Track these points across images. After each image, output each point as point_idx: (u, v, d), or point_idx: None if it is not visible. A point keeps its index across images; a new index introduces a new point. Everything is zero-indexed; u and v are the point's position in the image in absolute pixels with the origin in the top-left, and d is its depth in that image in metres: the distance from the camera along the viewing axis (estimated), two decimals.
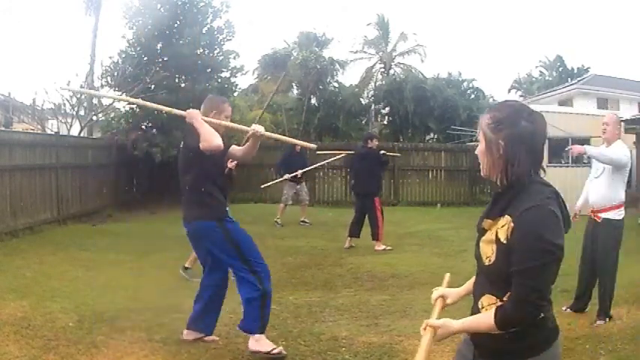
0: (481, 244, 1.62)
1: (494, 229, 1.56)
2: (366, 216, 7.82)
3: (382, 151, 8.15)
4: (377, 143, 8.04)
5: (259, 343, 3.56)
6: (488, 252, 1.57)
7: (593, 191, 4.26)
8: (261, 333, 3.59)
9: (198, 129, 3.34)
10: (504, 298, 1.54)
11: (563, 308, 4.50)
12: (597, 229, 4.18)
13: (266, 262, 3.75)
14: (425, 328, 1.62)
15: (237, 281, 3.65)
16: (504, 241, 1.51)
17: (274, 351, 3.54)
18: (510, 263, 1.49)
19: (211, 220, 3.56)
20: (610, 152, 4.12)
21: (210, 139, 3.30)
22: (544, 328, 1.57)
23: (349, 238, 7.87)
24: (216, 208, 3.59)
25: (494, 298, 1.58)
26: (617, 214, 4.12)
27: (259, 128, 3.52)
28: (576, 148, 4.33)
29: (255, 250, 3.68)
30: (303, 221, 10.39)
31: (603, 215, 4.13)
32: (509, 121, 1.58)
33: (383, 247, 7.72)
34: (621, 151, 4.13)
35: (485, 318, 1.56)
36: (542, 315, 1.53)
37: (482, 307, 1.64)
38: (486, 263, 1.59)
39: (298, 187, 10.41)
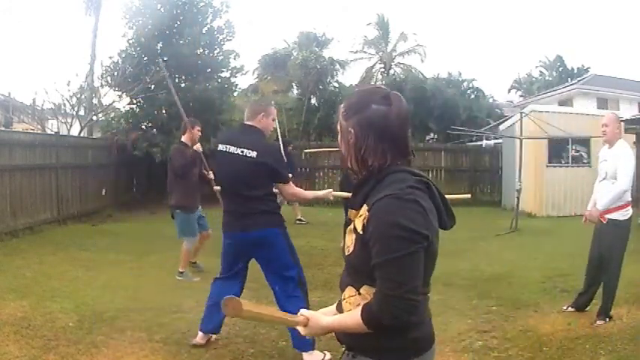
0: (346, 234, 1.53)
1: (355, 219, 1.48)
2: None
3: None
4: None
5: (312, 356, 3.54)
6: (349, 242, 1.49)
7: (599, 194, 4.28)
8: (314, 348, 3.57)
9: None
10: (361, 291, 1.46)
11: (564, 307, 4.51)
12: (603, 229, 4.19)
13: None
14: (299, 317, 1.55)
15: (282, 295, 3.57)
16: (360, 232, 1.42)
17: (325, 358, 3.56)
18: (370, 256, 1.38)
19: (277, 227, 3.58)
20: (616, 188, 4.04)
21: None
22: (412, 331, 1.46)
23: None
24: (280, 215, 3.64)
25: (354, 289, 1.50)
26: (623, 215, 4.12)
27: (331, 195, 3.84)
28: (592, 216, 4.19)
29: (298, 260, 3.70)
30: (299, 220, 10.42)
31: (608, 216, 4.13)
32: (359, 106, 1.48)
33: None
34: (624, 171, 4.04)
35: (354, 315, 1.44)
36: (415, 316, 1.42)
37: (344, 299, 1.55)
38: (346, 252, 1.51)
39: None
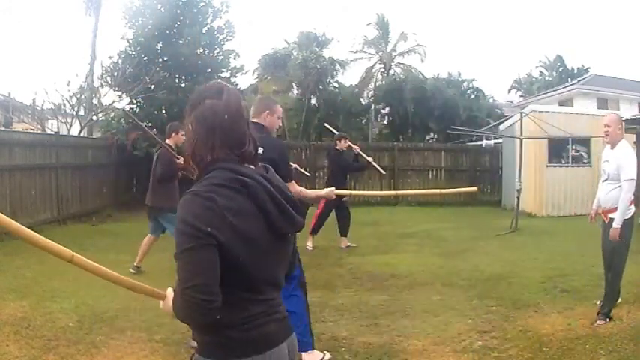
0: None
1: None
2: (336, 214, 7.93)
3: (357, 152, 8.13)
4: (345, 144, 7.90)
5: (312, 355, 3.53)
6: None
7: (602, 193, 4.33)
8: (314, 347, 3.56)
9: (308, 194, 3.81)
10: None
11: (596, 302, 4.43)
12: (607, 228, 4.25)
13: None
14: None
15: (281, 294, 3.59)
16: None
17: (325, 358, 3.55)
18: None
19: None
20: (623, 194, 4.06)
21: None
22: (229, 330, 1.40)
23: (311, 237, 7.92)
24: None
25: None
26: (625, 214, 4.15)
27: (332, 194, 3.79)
28: (613, 234, 4.13)
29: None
30: None
31: (611, 215, 4.19)
32: (195, 102, 1.47)
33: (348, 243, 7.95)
34: (628, 175, 4.07)
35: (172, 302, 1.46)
36: (219, 317, 1.35)
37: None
38: None
39: None
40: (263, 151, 3.48)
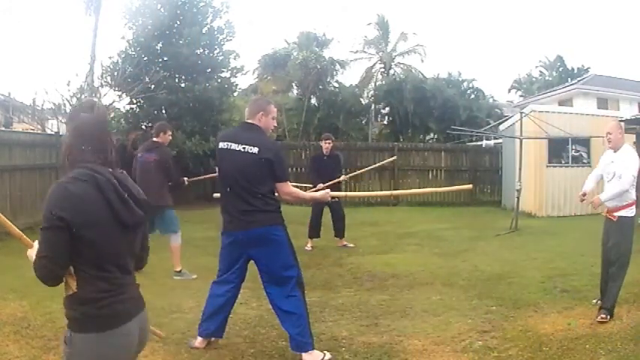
0: None
1: None
2: (332, 216, 7.94)
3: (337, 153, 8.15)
4: (329, 145, 7.90)
5: (312, 355, 3.50)
6: None
7: (607, 192, 4.45)
8: (314, 347, 3.54)
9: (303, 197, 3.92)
10: None
11: (594, 301, 4.57)
12: (612, 227, 4.41)
13: None
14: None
15: (279, 296, 3.57)
16: None
17: (325, 358, 3.53)
18: None
19: (279, 225, 3.57)
20: (620, 185, 4.30)
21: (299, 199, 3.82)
22: (85, 306, 1.74)
23: (310, 240, 7.92)
24: (281, 214, 3.64)
25: None
26: (629, 212, 4.36)
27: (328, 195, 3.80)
28: (595, 202, 4.42)
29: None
30: None
31: (617, 214, 4.35)
32: (73, 115, 1.94)
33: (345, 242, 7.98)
34: (629, 172, 4.28)
35: None
36: (73, 293, 1.73)
37: None
38: None
39: None
40: (258, 151, 3.50)
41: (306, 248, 7.72)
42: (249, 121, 3.65)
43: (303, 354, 3.51)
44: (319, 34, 25.99)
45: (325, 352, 3.58)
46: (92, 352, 1.74)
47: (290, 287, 3.55)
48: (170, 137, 6.22)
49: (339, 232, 7.95)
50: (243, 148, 3.50)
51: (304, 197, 4.02)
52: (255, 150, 3.48)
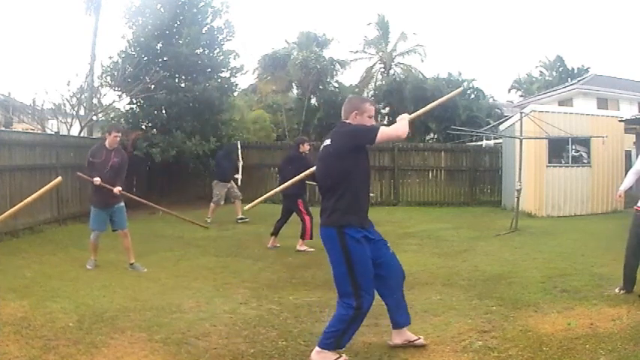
0: None
1: None
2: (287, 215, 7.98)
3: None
4: (308, 147, 7.87)
5: (322, 354, 3.39)
6: None
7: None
8: (328, 349, 3.40)
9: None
10: None
11: (617, 290, 4.83)
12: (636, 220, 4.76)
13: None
14: None
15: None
16: None
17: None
18: None
19: (333, 227, 3.44)
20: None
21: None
22: None
23: (273, 237, 7.90)
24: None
25: None
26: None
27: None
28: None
29: (368, 277, 3.53)
30: (240, 218, 10.63)
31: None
32: None
33: (304, 247, 7.59)
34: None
35: None
36: None
37: None
38: None
39: (229, 185, 11.02)
40: (331, 141, 3.41)
41: (269, 246, 7.80)
42: (346, 121, 3.55)
43: (313, 352, 3.42)
44: (319, 34, 26.02)
45: (341, 353, 3.47)
46: None
47: (346, 303, 3.60)
48: (116, 138, 6.33)
49: (301, 234, 7.69)
50: (328, 142, 3.51)
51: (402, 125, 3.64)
52: (329, 141, 3.51)
